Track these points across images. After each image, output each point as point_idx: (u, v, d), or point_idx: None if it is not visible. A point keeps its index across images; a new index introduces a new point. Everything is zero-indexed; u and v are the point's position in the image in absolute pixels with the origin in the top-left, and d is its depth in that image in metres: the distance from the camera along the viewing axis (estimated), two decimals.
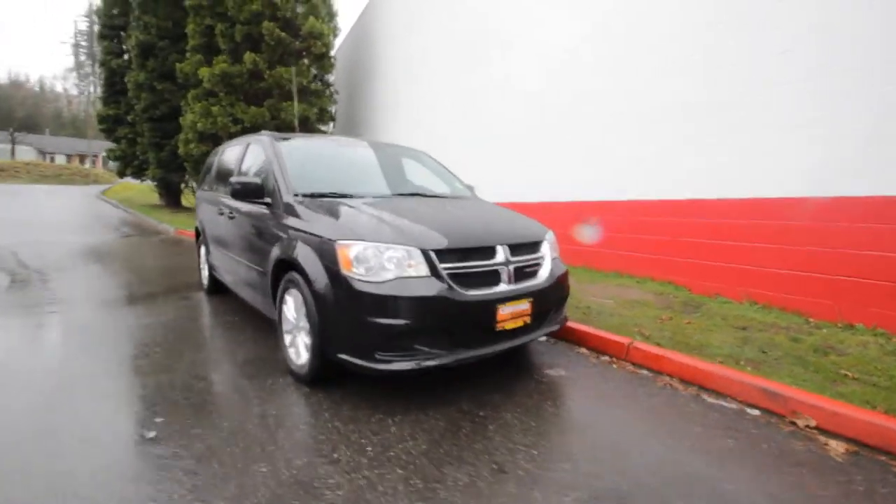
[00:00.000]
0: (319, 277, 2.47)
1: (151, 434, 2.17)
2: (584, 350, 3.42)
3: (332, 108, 13.94)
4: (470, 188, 4.08)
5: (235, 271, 3.86)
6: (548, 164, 6.48)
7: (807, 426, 2.29)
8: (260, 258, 3.24)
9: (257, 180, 3.16)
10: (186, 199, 19.53)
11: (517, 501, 1.74)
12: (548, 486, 1.84)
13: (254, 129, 12.36)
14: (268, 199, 3.16)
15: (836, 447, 2.13)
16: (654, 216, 5.06)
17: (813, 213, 3.71)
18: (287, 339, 2.95)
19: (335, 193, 3.11)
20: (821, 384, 2.65)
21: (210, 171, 5.01)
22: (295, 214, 2.88)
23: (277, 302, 2.98)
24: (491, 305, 2.50)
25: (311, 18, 12.30)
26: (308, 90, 13.19)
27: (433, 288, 2.36)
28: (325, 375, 2.66)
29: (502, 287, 2.58)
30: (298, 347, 2.79)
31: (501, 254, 2.65)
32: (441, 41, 9.64)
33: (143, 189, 22.53)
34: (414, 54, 10.78)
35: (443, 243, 2.48)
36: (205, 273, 5.21)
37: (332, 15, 13.25)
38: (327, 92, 13.73)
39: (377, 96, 12.89)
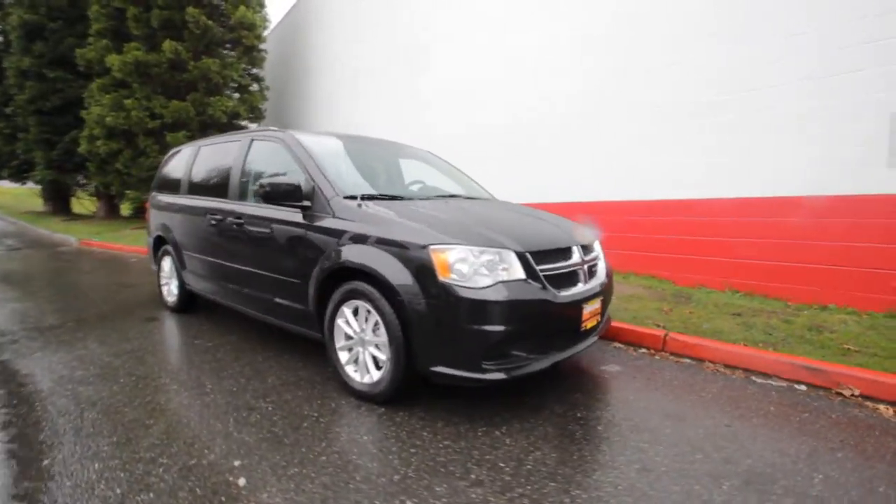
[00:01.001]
0: (407, 286, 2.28)
1: (242, 481, 1.83)
2: (618, 344, 3.56)
3: (263, 105, 12.99)
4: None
5: (240, 284, 3.41)
6: (525, 164, 6.65)
7: (852, 395, 2.61)
8: (294, 268, 2.90)
9: (294, 181, 2.81)
10: (80, 205, 16.91)
11: (688, 498, 1.75)
12: (699, 478, 1.87)
13: (175, 125, 11.09)
14: (305, 203, 2.83)
15: (886, 410, 2.46)
16: (634, 216, 5.42)
17: (788, 210, 4.24)
18: (343, 356, 2.67)
19: (385, 195, 2.90)
20: (834, 358, 3.04)
21: (179, 176, 4.38)
22: (350, 218, 2.62)
23: (328, 316, 2.69)
24: (578, 305, 2.50)
25: (242, 7, 11.38)
26: (238, 85, 12.18)
27: (533, 291, 2.29)
28: (402, 392, 2.46)
29: (581, 287, 2.59)
30: (366, 364, 2.55)
31: (577, 254, 2.66)
32: (385, 43, 9.43)
33: (22, 193, 19.05)
34: (356, 52, 10.41)
35: (532, 245, 2.43)
36: (170, 289, 4.55)
37: (261, 4, 12.35)
38: (258, 87, 12.78)
39: (312, 93, 12.23)
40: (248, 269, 3.32)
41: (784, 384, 2.82)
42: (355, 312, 2.59)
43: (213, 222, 3.64)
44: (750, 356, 3.00)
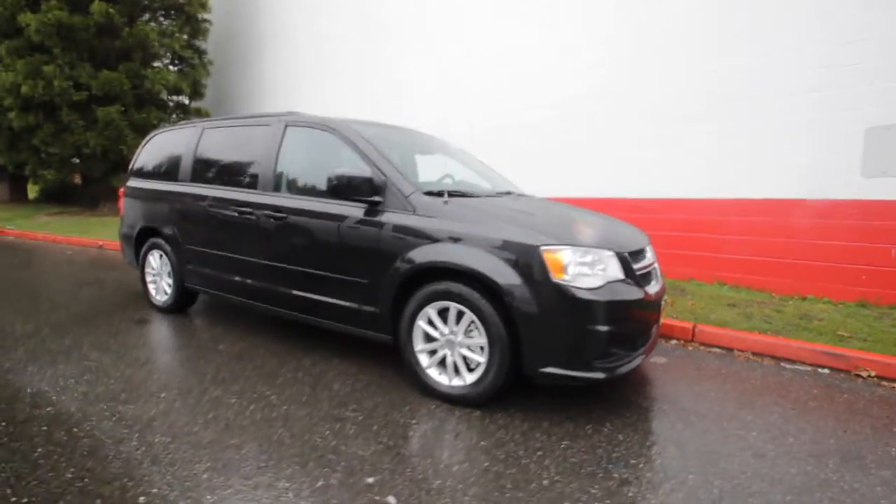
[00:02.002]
0: (517, 286, 2.23)
1: (392, 500, 1.70)
2: None
3: (205, 81, 11.87)
4: None
5: (274, 283, 3.12)
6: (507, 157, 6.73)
7: (869, 376, 3.01)
8: (360, 267, 2.71)
9: (365, 174, 2.62)
10: None
11: (811, 479, 1.92)
12: (806, 459, 2.06)
13: (106, 98, 9.77)
14: (376, 198, 2.66)
15: None
16: (627, 212, 5.73)
17: (773, 211, 4.72)
18: (424, 359, 2.57)
19: (455, 191, 2.80)
20: (834, 343, 3.47)
21: (176, 161, 3.88)
22: (436, 215, 2.51)
23: (406, 318, 2.56)
24: (659, 304, 2.62)
25: None
26: (180, 57, 11.01)
27: (633, 291, 2.35)
28: (500, 395, 2.42)
29: (656, 286, 2.71)
30: (454, 366, 2.47)
31: (650, 254, 2.77)
32: (359, 15, 8.97)
33: None
34: (323, 32, 9.82)
35: (623, 246, 2.49)
36: (160, 287, 4.06)
37: None
38: (201, 60, 11.64)
39: (265, 71, 11.34)
40: (288, 266, 3.05)
41: (809, 368, 3.17)
42: (440, 314, 2.51)
43: (238, 215, 3.29)
44: (775, 344, 3.34)
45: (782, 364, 3.24)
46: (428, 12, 7.89)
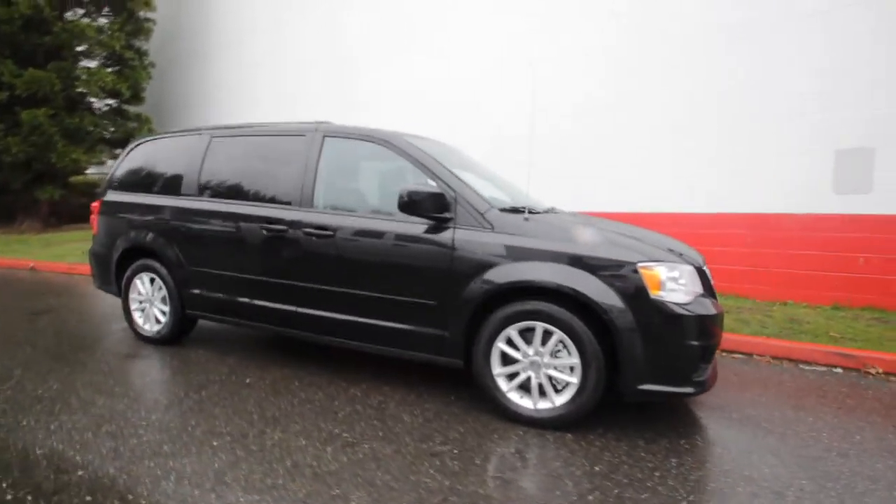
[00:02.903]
0: (614, 304, 2.20)
1: None
2: None
3: (145, 84, 10.89)
4: None
5: (315, 307, 2.85)
6: None
7: (877, 373, 3.32)
8: (428, 288, 2.55)
9: (435, 190, 2.48)
10: None
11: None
12: (885, 454, 2.20)
13: (32, 100, 8.59)
14: (446, 215, 2.52)
15: None
16: None
17: (755, 224, 5.15)
18: (502, 382, 2.45)
19: (518, 207, 2.73)
20: (828, 343, 3.82)
21: (178, 173, 3.45)
22: (518, 233, 2.43)
23: (483, 340, 2.43)
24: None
25: None
26: (119, 57, 10.02)
27: (714, 306, 2.42)
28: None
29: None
30: (543, 389, 2.37)
31: (705, 268, 2.88)
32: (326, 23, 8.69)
33: None
34: (287, 38, 9.37)
35: (697, 261, 2.55)
36: (151, 315, 3.58)
37: None
38: (142, 62, 10.68)
39: (215, 78, 10.61)
40: (335, 289, 2.81)
41: (824, 369, 3.45)
42: (521, 334, 2.41)
43: (267, 234, 2.98)
44: (790, 348, 3.60)
45: (800, 366, 3.50)
46: (402, 21, 7.83)
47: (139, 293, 3.64)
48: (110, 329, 4.01)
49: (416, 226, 2.62)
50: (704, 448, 2.27)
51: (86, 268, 7.02)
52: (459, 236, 2.51)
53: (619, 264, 2.26)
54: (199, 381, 2.92)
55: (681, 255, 2.48)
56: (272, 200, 3.06)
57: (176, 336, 3.57)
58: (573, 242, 2.37)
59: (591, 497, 1.84)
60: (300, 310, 2.94)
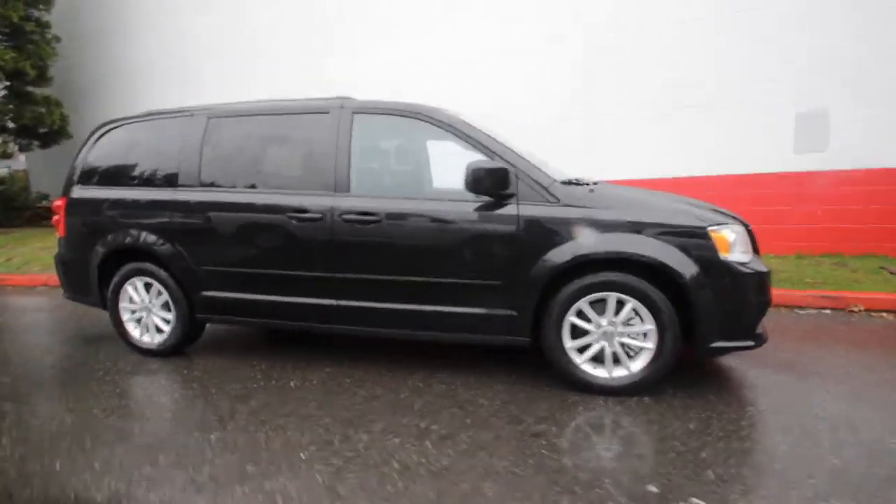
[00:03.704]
0: (692, 269, 2.26)
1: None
2: None
3: (52, 63, 9.43)
4: None
5: (364, 299, 2.67)
6: None
7: (860, 310, 3.76)
8: (494, 269, 2.48)
9: (498, 165, 2.36)
10: None
11: None
12: None
13: None
14: (510, 191, 2.42)
15: (887, 317, 3.64)
16: None
17: (722, 184, 5.54)
18: (575, 355, 2.46)
19: (575, 180, 2.69)
20: (805, 289, 4.26)
21: (171, 162, 3.01)
22: (587, 205, 2.40)
23: (555, 315, 2.41)
24: None
25: None
26: (18, 29, 8.55)
27: (763, 262, 2.56)
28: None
29: None
30: (613, 357, 2.41)
31: None
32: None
33: None
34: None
35: (744, 222, 2.68)
36: (151, 323, 3.19)
37: None
38: (46, 37, 9.20)
39: (142, 52, 9.39)
40: (386, 278, 2.64)
41: (815, 311, 3.85)
42: (592, 306, 2.42)
43: (298, 223, 2.71)
44: (785, 295, 3.96)
45: (796, 311, 3.88)
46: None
47: (132, 302, 3.20)
48: (92, 344, 3.51)
49: (472, 204, 2.51)
50: (767, 393, 2.45)
51: (22, 277, 6.14)
52: (525, 212, 2.44)
53: (692, 230, 2.32)
54: (237, 391, 2.65)
55: (733, 216, 2.60)
56: (297, 186, 2.79)
57: (183, 345, 3.21)
58: (642, 211, 2.39)
59: (703, 454, 1.92)
60: (341, 303, 2.74)
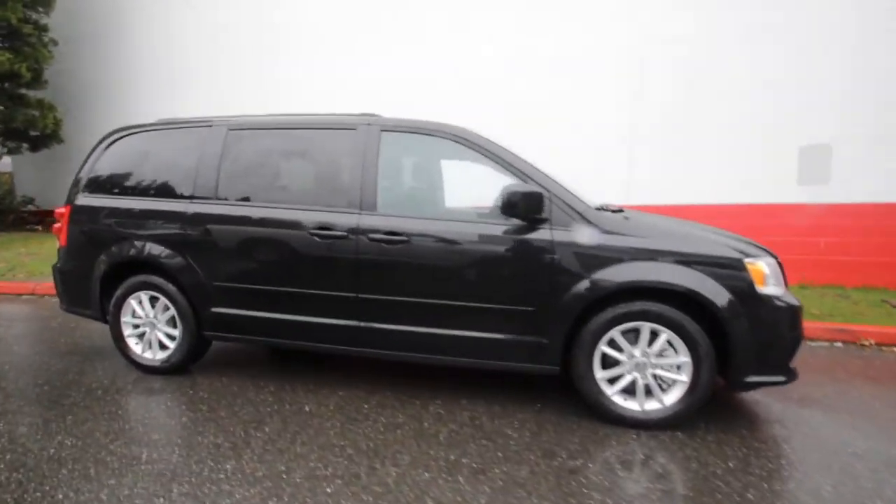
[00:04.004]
0: (728, 301, 2.23)
1: None
2: None
3: (48, 66, 9.27)
4: None
5: (385, 319, 2.58)
6: None
7: (870, 344, 3.77)
8: (526, 294, 2.41)
9: (536, 189, 2.32)
10: None
11: None
12: None
13: None
14: (544, 215, 2.38)
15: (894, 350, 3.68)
16: None
17: (726, 214, 5.60)
18: (606, 386, 2.39)
19: (607, 206, 2.66)
20: (812, 320, 4.29)
21: (184, 173, 2.92)
22: (622, 232, 2.37)
23: (587, 343, 2.35)
24: None
25: None
26: (15, 32, 8.41)
27: (793, 296, 2.55)
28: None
29: None
30: (645, 390, 2.35)
31: None
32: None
33: None
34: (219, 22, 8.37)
35: (774, 255, 2.66)
36: (157, 339, 3.04)
37: None
38: (43, 39, 9.07)
39: (135, 55, 9.25)
40: (413, 300, 2.55)
41: (827, 344, 3.86)
42: (624, 335, 2.36)
43: (320, 240, 2.62)
44: None
45: (809, 343, 3.88)
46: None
47: (136, 316, 3.05)
48: (88, 359, 3.32)
49: (502, 227, 2.47)
50: (799, 430, 2.40)
51: (8, 284, 5.86)
52: (559, 237, 2.39)
53: (729, 261, 2.29)
54: (249, 415, 2.51)
55: (763, 248, 2.59)
56: (321, 203, 2.71)
57: (187, 363, 3.05)
58: (680, 241, 2.36)
59: (749, 494, 1.86)
60: (363, 324, 2.64)
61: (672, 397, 2.35)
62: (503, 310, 2.47)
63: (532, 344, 2.46)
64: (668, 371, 2.35)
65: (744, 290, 2.27)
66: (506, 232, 2.46)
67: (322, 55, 7.64)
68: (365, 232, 2.57)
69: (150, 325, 3.05)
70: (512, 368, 2.56)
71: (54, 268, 3.30)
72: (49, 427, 2.37)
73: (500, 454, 2.14)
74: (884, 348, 3.75)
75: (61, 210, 3.23)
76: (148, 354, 3.07)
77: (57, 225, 3.26)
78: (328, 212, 2.66)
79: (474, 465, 2.05)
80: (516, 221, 2.44)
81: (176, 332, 2.99)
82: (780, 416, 2.58)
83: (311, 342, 2.81)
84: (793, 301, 2.38)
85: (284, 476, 1.95)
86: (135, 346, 3.09)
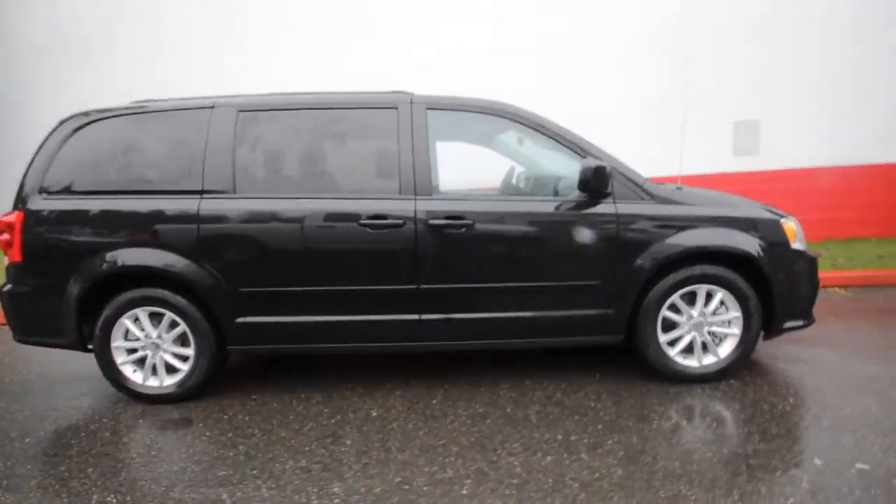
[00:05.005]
0: (773, 258, 2.46)
1: None
2: None
3: None
4: None
5: (448, 308, 2.45)
6: None
7: (838, 290, 4.42)
8: (592, 268, 2.46)
9: (603, 164, 2.32)
10: None
11: None
12: None
13: None
14: (608, 190, 2.40)
15: (839, 291, 4.35)
16: None
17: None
18: (669, 349, 2.53)
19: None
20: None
21: (209, 163, 2.45)
22: (679, 201, 2.52)
23: (651, 310, 2.46)
24: None
25: None
26: None
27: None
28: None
29: None
30: (705, 346, 2.53)
31: None
32: None
33: None
34: None
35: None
36: (163, 362, 2.58)
37: None
38: None
39: (38, 30, 7.55)
40: (480, 286, 2.47)
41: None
42: (685, 298, 2.51)
43: (372, 230, 2.39)
44: None
45: None
46: None
47: (133, 339, 2.55)
48: (67, 398, 2.72)
49: (567, 203, 2.47)
50: (820, 367, 2.74)
51: None
52: (623, 209, 2.45)
53: (769, 222, 2.53)
54: (315, 430, 2.24)
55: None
56: (367, 191, 2.48)
57: (206, 384, 2.64)
58: (727, 207, 2.56)
59: (824, 423, 2.10)
60: (426, 317, 2.49)
61: (725, 350, 2.56)
62: (573, 286, 2.49)
63: (598, 317, 2.51)
64: (722, 327, 2.56)
65: (782, 247, 2.53)
66: (570, 208, 2.46)
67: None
68: (423, 218, 2.41)
69: (152, 347, 2.57)
70: (577, 342, 2.61)
71: (2, 291, 2.63)
72: (70, 486, 1.91)
73: (599, 426, 2.18)
74: (847, 289, 4.44)
75: (9, 218, 2.56)
76: (152, 382, 2.60)
77: (3, 237, 2.59)
78: (379, 199, 2.43)
79: (587, 441, 2.05)
80: (576, 197, 2.46)
81: (189, 352, 2.56)
82: (797, 356, 2.91)
83: (360, 343, 2.59)
84: (813, 254, 2.70)
85: (406, 486, 1.79)
86: (132, 375, 2.59)
